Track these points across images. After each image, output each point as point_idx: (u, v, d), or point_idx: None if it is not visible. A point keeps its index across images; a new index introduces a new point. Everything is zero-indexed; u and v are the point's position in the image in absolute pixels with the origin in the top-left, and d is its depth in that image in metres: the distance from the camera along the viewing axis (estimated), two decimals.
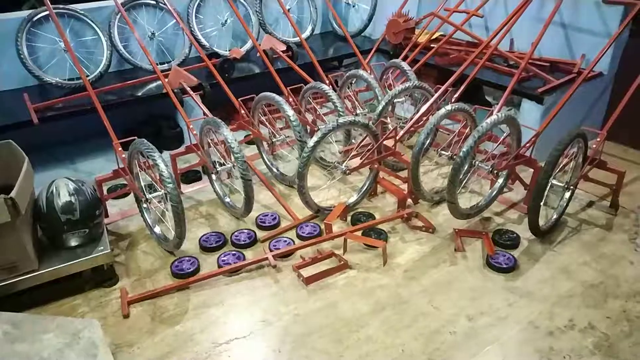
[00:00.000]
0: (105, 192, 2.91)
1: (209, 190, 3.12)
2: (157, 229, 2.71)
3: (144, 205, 2.71)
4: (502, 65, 3.69)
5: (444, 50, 3.96)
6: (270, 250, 2.58)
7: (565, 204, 2.79)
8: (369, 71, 3.75)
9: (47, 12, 3.35)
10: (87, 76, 3.35)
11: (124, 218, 2.94)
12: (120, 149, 2.68)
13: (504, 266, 2.47)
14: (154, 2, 3.80)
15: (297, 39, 4.21)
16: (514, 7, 3.37)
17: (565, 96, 2.93)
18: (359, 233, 2.70)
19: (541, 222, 2.64)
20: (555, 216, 2.77)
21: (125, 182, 2.85)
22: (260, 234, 2.77)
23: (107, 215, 2.87)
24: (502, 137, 2.81)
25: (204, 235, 2.75)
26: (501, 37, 3.34)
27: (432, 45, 3.86)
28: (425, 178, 3.27)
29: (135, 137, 2.59)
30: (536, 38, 3.21)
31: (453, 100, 3.21)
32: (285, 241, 2.68)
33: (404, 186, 3.01)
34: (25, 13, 3.42)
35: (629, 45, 3.49)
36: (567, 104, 2.93)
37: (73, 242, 2.33)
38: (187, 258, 2.56)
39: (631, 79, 2.90)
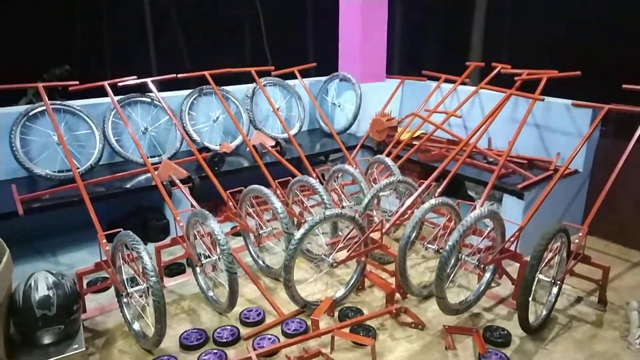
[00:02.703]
0: (85, 285, 2.82)
1: (193, 284, 3.05)
2: (136, 325, 2.59)
3: (124, 300, 2.62)
4: (481, 162, 3.84)
5: (426, 147, 4.14)
6: (254, 349, 2.47)
7: (553, 300, 2.76)
8: (354, 166, 3.87)
9: (43, 107, 3.47)
10: (78, 168, 3.40)
11: (102, 314, 2.82)
12: (104, 241, 2.65)
13: None
14: (149, 100, 3.97)
15: (285, 135, 4.38)
16: (490, 109, 3.59)
17: (545, 192, 3.03)
18: (346, 329, 2.61)
19: (531, 318, 2.59)
20: (544, 312, 2.73)
21: (105, 275, 2.78)
22: (244, 331, 2.67)
23: (84, 311, 2.76)
24: (487, 231, 2.85)
25: (185, 332, 2.63)
26: (479, 136, 3.52)
27: (414, 143, 4.04)
28: (413, 272, 3.25)
29: (121, 229, 2.58)
30: (512, 137, 3.39)
31: (436, 194, 3.30)
32: (270, 339, 2.58)
33: (392, 280, 2.98)
34: (21, 108, 3.53)
35: (600, 145, 3.68)
36: (547, 199, 3.03)
37: (47, 340, 2.22)
38: (165, 357, 2.43)
39: (605, 176, 3.02)
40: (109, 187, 3.44)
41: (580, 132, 3.60)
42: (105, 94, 3.65)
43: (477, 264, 2.67)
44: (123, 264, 2.63)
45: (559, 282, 2.71)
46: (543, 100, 3.56)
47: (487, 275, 2.90)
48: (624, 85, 3.27)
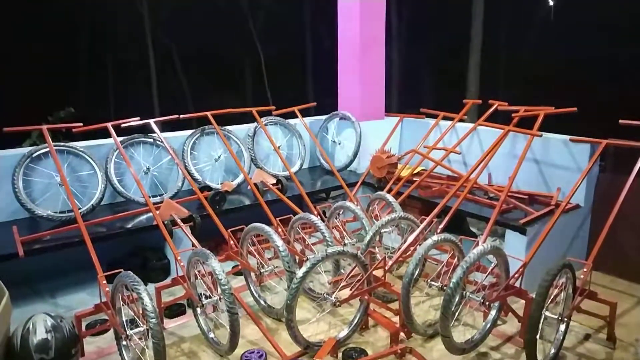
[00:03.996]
0: (84, 328, 2.78)
1: (193, 325, 3.00)
2: None
3: (124, 343, 2.57)
4: (482, 198, 3.85)
5: (427, 183, 4.15)
6: None
7: (561, 337, 2.71)
8: (355, 203, 3.87)
9: (47, 149, 3.51)
10: (79, 209, 3.40)
11: (101, 357, 2.76)
12: (104, 282, 2.62)
13: None
14: (152, 140, 4.02)
15: (286, 172, 4.41)
16: (489, 145, 3.63)
17: (547, 227, 3.02)
18: None
19: (539, 357, 2.53)
20: (553, 350, 2.67)
21: (105, 317, 2.74)
22: None
23: (83, 354, 2.70)
24: (491, 268, 2.82)
25: None
26: (479, 172, 3.54)
27: (414, 179, 4.06)
28: (417, 310, 3.20)
29: (122, 270, 2.56)
30: (512, 172, 3.41)
31: (439, 230, 3.28)
32: None
33: (396, 319, 2.93)
34: (25, 150, 3.57)
35: (600, 179, 3.69)
36: (550, 235, 3.01)
37: None
38: None
39: (607, 210, 3.02)
40: (110, 228, 3.43)
41: (579, 167, 3.62)
42: (109, 135, 3.70)
43: (482, 301, 2.63)
44: (123, 305, 2.59)
45: (566, 319, 2.67)
46: (541, 136, 3.60)
47: (493, 312, 2.85)
48: (620, 121, 3.31)
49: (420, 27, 16.35)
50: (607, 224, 2.94)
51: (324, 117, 5.04)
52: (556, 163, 3.79)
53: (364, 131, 4.72)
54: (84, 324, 2.80)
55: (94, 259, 2.75)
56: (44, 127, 3.51)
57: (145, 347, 2.52)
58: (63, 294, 3.48)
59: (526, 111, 3.79)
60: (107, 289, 2.60)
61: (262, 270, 3.16)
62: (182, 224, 3.31)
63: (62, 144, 3.68)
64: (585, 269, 2.77)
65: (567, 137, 3.69)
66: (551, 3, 16.25)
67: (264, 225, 3.09)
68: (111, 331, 2.79)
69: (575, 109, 3.59)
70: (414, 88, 17.17)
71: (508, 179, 3.41)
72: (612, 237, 2.95)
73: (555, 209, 3.41)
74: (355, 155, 4.71)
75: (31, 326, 2.20)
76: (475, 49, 12.66)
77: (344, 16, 4.84)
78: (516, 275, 2.78)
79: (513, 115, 3.82)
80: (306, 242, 3.44)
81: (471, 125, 4.34)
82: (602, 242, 2.89)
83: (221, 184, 4.19)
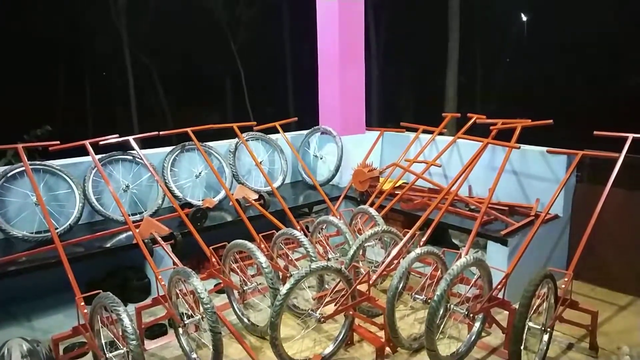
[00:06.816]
0: (61, 352, 2.69)
1: (175, 346, 2.93)
2: None
3: None
4: (464, 210, 3.88)
5: (408, 196, 4.17)
6: None
7: (545, 348, 2.72)
8: (338, 217, 3.87)
9: (22, 168, 3.43)
10: (56, 229, 3.32)
11: None
12: (82, 303, 2.55)
13: None
14: (131, 157, 3.96)
15: (268, 188, 4.38)
16: (468, 158, 3.67)
17: (528, 238, 3.05)
18: None
19: None
20: None
21: (83, 340, 2.66)
22: None
23: None
24: (474, 280, 2.84)
25: None
26: (460, 184, 3.58)
27: (396, 192, 4.08)
28: (402, 324, 3.18)
29: (100, 291, 2.49)
30: (492, 184, 3.45)
31: (421, 243, 3.29)
32: None
33: (381, 333, 2.91)
34: (0, 169, 3.48)
35: (577, 190, 3.76)
36: (530, 245, 3.04)
37: None
38: None
39: (585, 220, 3.07)
40: (89, 247, 3.35)
41: (557, 177, 3.69)
42: (87, 153, 3.64)
43: (466, 313, 2.64)
44: (102, 327, 2.52)
45: (549, 329, 2.69)
46: (519, 148, 3.67)
47: (477, 324, 2.86)
48: (595, 132, 3.39)
49: (399, 44, 16.64)
50: (585, 233, 2.99)
51: (305, 132, 5.05)
52: (534, 174, 3.85)
53: (346, 145, 4.74)
54: (61, 348, 2.71)
55: (71, 280, 2.68)
56: (20, 145, 3.43)
57: None
58: (39, 317, 3.37)
59: (504, 124, 3.86)
60: (86, 310, 2.53)
61: (245, 288, 3.12)
62: (162, 242, 3.25)
63: (38, 162, 3.60)
64: (566, 279, 2.80)
65: (544, 148, 3.76)
66: (524, 19, 16.73)
67: (246, 242, 3.05)
68: (90, 354, 2.71)
69: (551, 121, 3.66)
70: (393, 103, 17.41)
71: (488, 191, 3.45)
72: (591, 246, 3.00)
73: (535, 220, 3.46)
74: (337, 169, 4.72)
75: (6, 351, 2.13)
76: (452, 64, 12.92)
77: (324, 33, 4.89)
78: (499, 287, 2.79)
79: (491, 128, 3.88)
80: (289, 258, 3.42)
81: (450, 138, 4.40)
82: (581, 251, 2.93)
83: (202, 200, 4.14)
